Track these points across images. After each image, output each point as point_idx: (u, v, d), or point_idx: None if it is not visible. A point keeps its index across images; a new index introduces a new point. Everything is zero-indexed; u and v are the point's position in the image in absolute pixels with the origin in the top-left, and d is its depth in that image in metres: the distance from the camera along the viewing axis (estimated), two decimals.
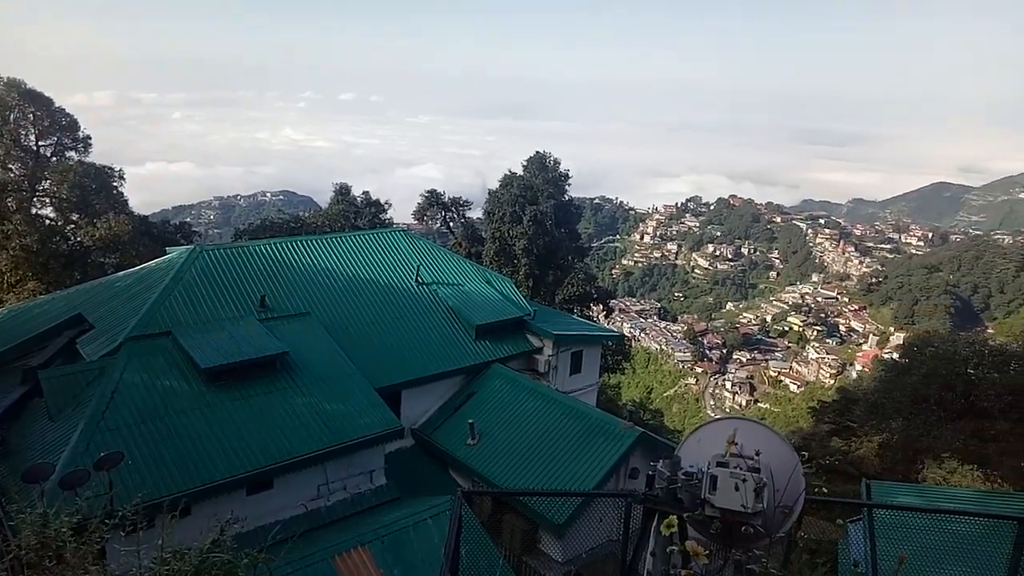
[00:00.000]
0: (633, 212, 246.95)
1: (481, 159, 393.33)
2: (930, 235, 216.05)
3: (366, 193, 47.50)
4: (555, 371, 25.92)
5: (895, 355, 29.67)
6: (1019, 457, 21.35)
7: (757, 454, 4.01)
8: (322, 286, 23.55)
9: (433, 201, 45.80)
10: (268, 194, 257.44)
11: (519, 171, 44.19)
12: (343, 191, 46.45)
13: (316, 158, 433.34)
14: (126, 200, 36.62)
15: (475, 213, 48.30)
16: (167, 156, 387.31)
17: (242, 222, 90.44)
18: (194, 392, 16.95)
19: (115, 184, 35.90)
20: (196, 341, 18.13)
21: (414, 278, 25.49)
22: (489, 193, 43.78)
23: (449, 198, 46.42)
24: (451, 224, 47.63)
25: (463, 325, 24.56)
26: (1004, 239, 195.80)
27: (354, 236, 27.11)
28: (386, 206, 46.64)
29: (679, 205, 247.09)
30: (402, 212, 54.78)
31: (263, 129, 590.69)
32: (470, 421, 21.14)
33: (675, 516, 3.75)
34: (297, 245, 24.69)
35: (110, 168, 35.90)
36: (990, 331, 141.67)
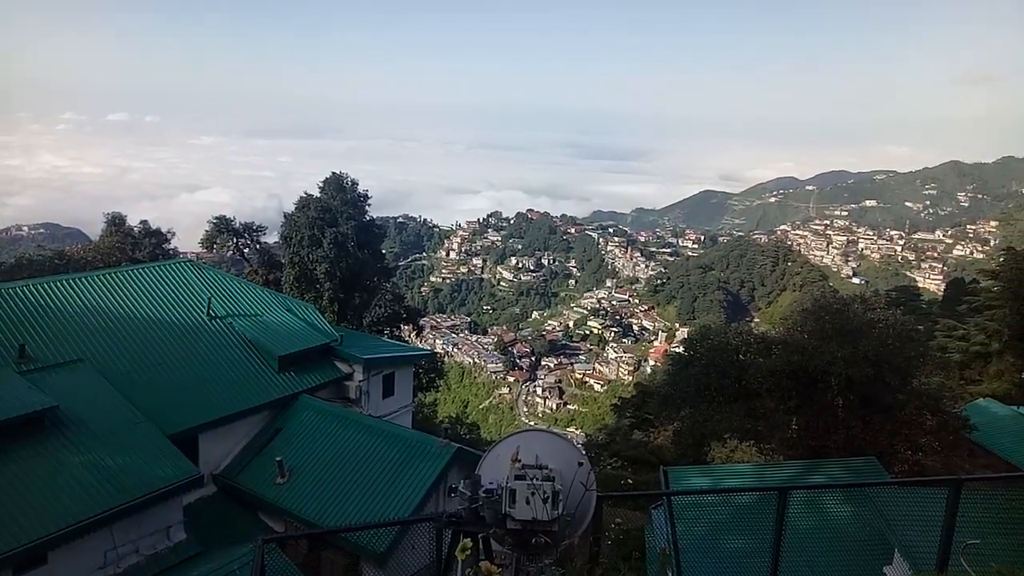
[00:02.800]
0: (438, 229, 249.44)
1: (276, 181, 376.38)
2: (702, 238, 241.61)
3: (144, 222, 43.57)
4: (367, 396, 25.35)
5: (680, 349, 32.74)
6: (784, 430, 24.34)
7: (541, 467, 4.16)
8: (97, 328, 21.11)
9: (223, 227, 42.94)
10: (25, 228, 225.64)
11: (316, 193, 42.83)
12: (117, 221, 42.16)
13: (82, 186, 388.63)
14: None
15: (272, 238, 46.09)
16: None
17: None
18: None
19: None
20: None
21: (205, 311, 23.70)
22: (285, 216, 41.96)
23: (241, 224, 43.79)
24: (245, 251, 44.99)
25: (264, 358, 23.21)
26: (761, 238, 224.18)
27: (132, 270, 24.65)
28: (169, 235, 43.07)
29: (481, 221, 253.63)
30: (189, 241, 50.98)
31: (15, 156, 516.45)
32: (278, 458, 19.97)
33: (469, 540, 3.80)
34: (63, 284, 21.94)
35: None
36: (756, 320, 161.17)
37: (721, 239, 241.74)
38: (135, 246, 41.18)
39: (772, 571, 8.69)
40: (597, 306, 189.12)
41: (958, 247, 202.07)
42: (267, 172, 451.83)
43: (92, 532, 14.82)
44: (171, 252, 43.20)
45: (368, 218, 44.48)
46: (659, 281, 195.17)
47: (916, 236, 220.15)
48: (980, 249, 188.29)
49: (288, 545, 16.76)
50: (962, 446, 25.52)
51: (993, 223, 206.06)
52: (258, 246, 44.81)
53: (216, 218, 43.41)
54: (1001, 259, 40.00)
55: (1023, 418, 28.15)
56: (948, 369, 37.00)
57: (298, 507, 18.94)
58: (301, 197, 42.05)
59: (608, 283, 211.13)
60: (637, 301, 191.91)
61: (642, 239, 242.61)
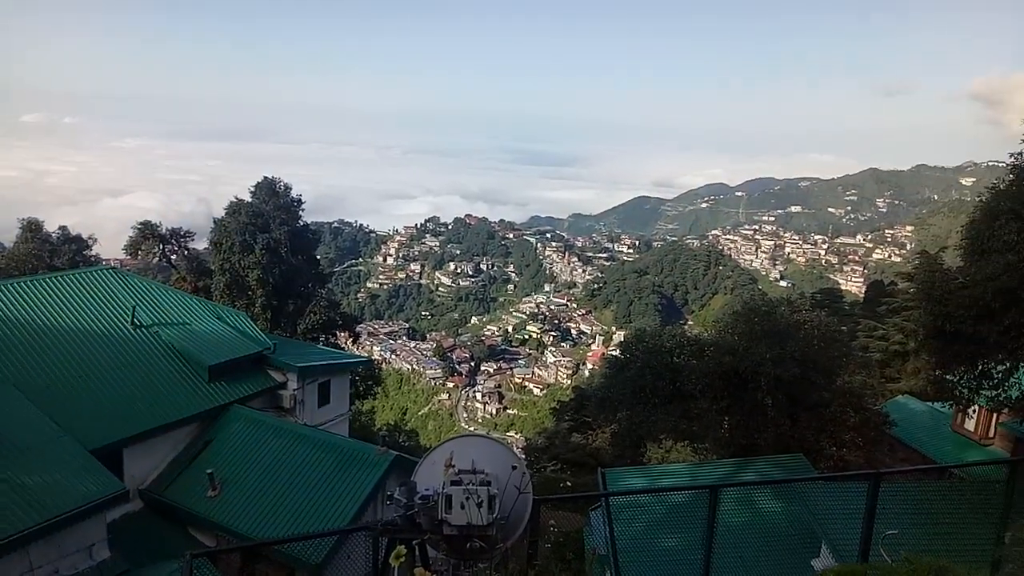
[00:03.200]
0: (375, 234, 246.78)
1: (205, 185, 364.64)
2: (637, 243, 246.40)
3: (63, 228, 41.58)
4: (302, 405, 24.79)
5: (617, 352, 33.27)
6: (717, 429, 25.00)
7: (477, 471, 4.16)
8: (11, 340, 19.93)
9: (148, 233, 41.32)
10: None
11: (247, 197, 41.72)
12: (32, 227, 40.07)
13: None
14: None
15: (201, 244, 44.63)
16: None
17: None
18: None
19: None
20: None
21: (129, 321, 22.76)
22: (215, 222, 40.71)
23: (168, 229, 42.24)
24: (172, 258, 43.44)
25: (193, 368, 22.42)
26: (693, 243, 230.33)
27: (50, 279, 23.40)
28: (90, 242, 41.23)
29: (419, 226, 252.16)
30: (113, 247, 48.97)
31: None
32: (208, 471, 19.30)
33: (403, 546, 3.77)
34: None
35: None
36: (690, 323, 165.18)
37: (655, 244, 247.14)
38: (53, 253, 39.25)
39: (705, 567, 8.91)
40: (536, 311, 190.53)
41: (877, 251, 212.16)
42: (195, 176, 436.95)
43: (7, 555, 14.00)
44: (93, 259, 41.34)
45: (302, 223, 43.58)
46: (596, 285, 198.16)
47: (839, 240, 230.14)
48: (898, 252, 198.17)
49: (220, 560, 16.25)
50: (883, 441, 26.73)
51: (909, 228, 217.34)
52: (186, 252, 43.31)
53: (141, 223, 41.76)
54: (916, 262, 42.25)
55: (939, 414, 29.68)
56: (870, 368, 38.71)
57: (230, 520, 18.35)
58: (231, 202, 40.90)
59: (546, 288, 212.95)
60: (575, 305, 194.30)
61: (579, 244, 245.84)
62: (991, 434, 26.57)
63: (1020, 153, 15.45)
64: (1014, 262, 13.98)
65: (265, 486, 19.16)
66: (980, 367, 16.39)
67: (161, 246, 42.15)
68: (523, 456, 58.35)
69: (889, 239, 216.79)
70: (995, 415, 25.46)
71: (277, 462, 19.78)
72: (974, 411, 26.33)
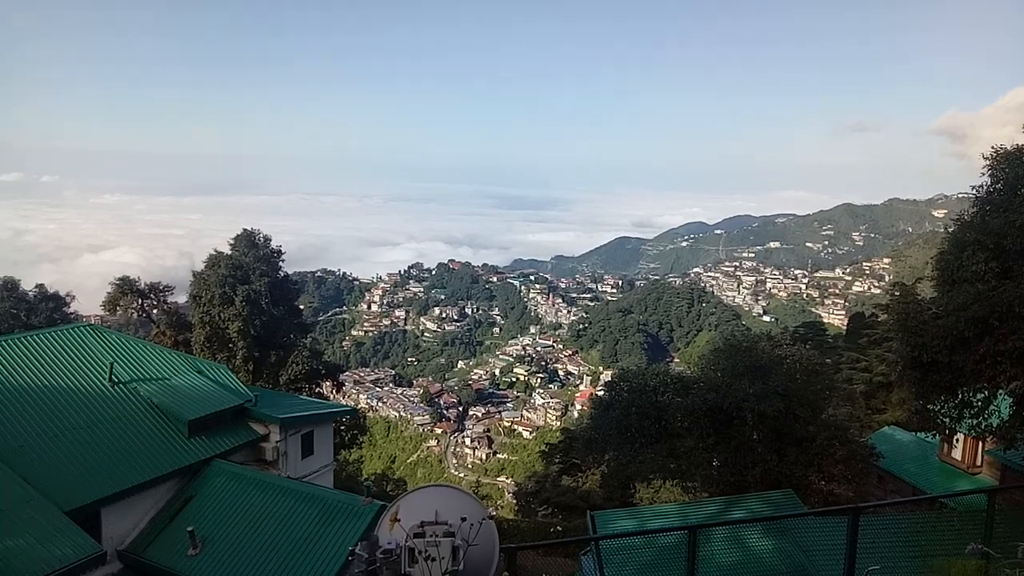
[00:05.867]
0: (358, 282, 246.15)
1: (187, 239, 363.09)
2: (620, 283, 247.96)
3: (40, 286, 41.25)
4: (285, 457, 24.40)
5: (602, 392, 33.22)
6: (705, 467, 24.87)
7: (440, 523, 4.09)
8: None
9: (126, 288, 40.99)
10: None
11: (227, 250, 41.64)
12: (9, 286, 39.75)
13: None
14: None
15: (181, 297, 44.31)
16: None
17: None
18: None
19: None
20: None
21: (107, 377, 22.43)
22: (194, 275, 40.52)
23: (146, 284, 41.96)
24: (153, 312, 43.06)
25: (173, 423, 22.05)
26: (675, 281, 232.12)
27: (25, 337, 23.09)
28: (68, 299, 40.86)
29: (402, 272, 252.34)
30: (93, 304, 48.53)
31: None
32: (189, 528, 18.85)
33: None
34: None
35: None
36: (676, 360, 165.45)
37: (638, 283, 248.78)
38: (30, 311, 38.90)
39: None
40: (522, 353, 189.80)
41: (857, 283, 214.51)
42: (177, 230, 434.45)
43: None
44: (72, 316, 40.95)
45: (283, 274, 43.47)
46: (581, 326, 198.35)
47: (818, 274, 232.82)
48: (877, 284, 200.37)
49: None
50: (872, 473, 26.71)
51: (886, 260, 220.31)
52: (166, 306, 42.98)
53: (119, 279, 41.48)
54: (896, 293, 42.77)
55: (926, 444, 29.76)
56: (855, 400, 38.89)
57: None
58: (211, 255, 40.79)
59: (532, 330, 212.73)
60: (561, 346, 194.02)
61: (563, 285, 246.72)
62: (978, 462, 26.65)
63: (982, 185, 15.89)
64: (983, 291, 14.23)
65: (248, 542, 18.72)
66: (960, 396, 16.52)
67: (140, 301, 41.82)
68: (514, 501, 57.47)
69: (868, 271, 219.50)
70: (981, 443, 25.57)
71: (260, 517, 19.37)
72: (958, 440, 26.44)
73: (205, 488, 20.84)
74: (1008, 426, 16.38)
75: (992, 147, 15.90)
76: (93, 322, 32.45)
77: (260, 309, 39.40)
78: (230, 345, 39.16)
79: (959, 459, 27.33)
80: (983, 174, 15.80)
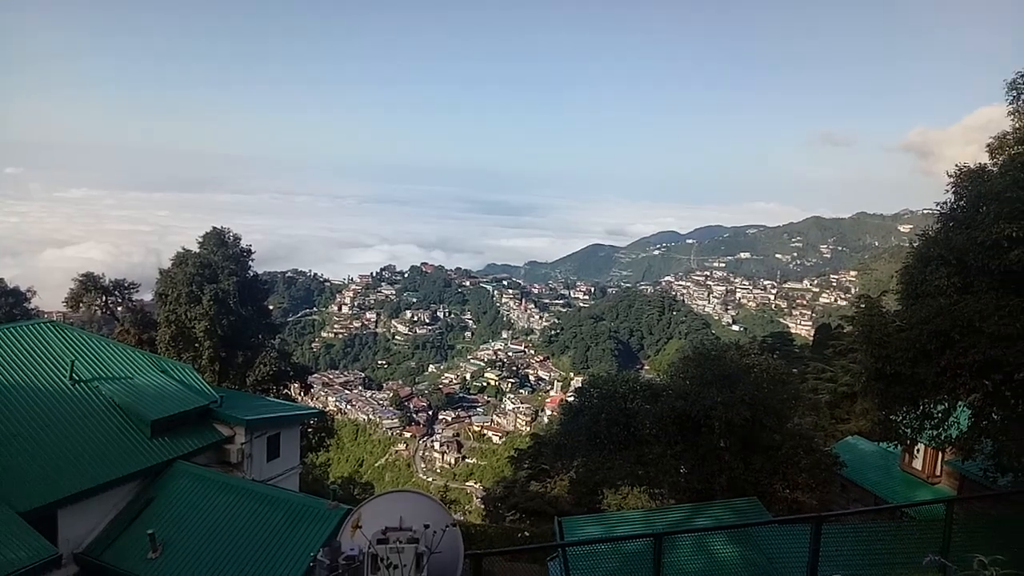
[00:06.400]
0: (329, 284, 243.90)
1: (155, 235, 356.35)
2: (592, 289, 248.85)
3: None
4: (250, 459, 24.02)
5: (572, 398, 33.28)
6: (673, 474, 25.04)
7: (404, 528, 4.05)
8: None
9: (90, 285, 40.12)
10: None
11: (195, 248, 40.96)
12: None
13: None
14: None
15: (147, 295, 43.49)
16: None
17: None
18: None
19: None
20: None
21: (68, 375, 21.91)
22: (161, 273, 39.78)
23: (111, 281, 41.11)
24: (117, 310, 42.18)
25: (135, 423, 21.60)
26: (647, 289, 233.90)
27: None
28: (28, 294, 39.83)
29: (375, 274, 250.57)
30: (56, 300, 47.38)
31: None
32: (149, 531, 18.45)
33: None
34: None
35: None
36: (646, 368, 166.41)
37: (610, 290, 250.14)
38: None
39: None
40: (494, 358, 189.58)
41: (824, 295, 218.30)
42: (145, 227, 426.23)
43: None
44: (33, 312, 39.96)
45: (252, 273, 42.86)
46: (553, 332, 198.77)
47: (787, 285, 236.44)
48: (843, 297, 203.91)
49: None
50: (835, 482, 27.09)
51: (853, 273, 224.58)
52: (130, 304, 42.13)
53: (82, 275, 40.59)
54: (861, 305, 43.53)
55: (888, 454, 30.29)
56: (819, 409, 39.42)
57: None
58: (178, 252, 40.08)
59: (504, 335, 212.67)
60: (533, 352, 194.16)
61: (536, 291, 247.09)
62: (938, 472, 27.19)
63: (946, 202, 16.26)
64: (945, 305, 14.55)
65: (210, 545, 18.39)
66: (921, 407, 16.85)
67: (104, 298, 40.95)
68: (482, 506, 57.25)
69: (835, 284, 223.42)
70: (941, 454, 26.10)
71: (223, 520, 19.05)
72: (919, 450, 26.96)
73: (167, 490, 20.45)
74: (967, 437, 16.74)
75: (956, 165, 16.31)
76: (55, 318, 31.73)
77: (228, 308, 38.80)
78: (196, 345, 38.50)
79: (920, 469, 27.87)
80: (947, 191, 16.18)
